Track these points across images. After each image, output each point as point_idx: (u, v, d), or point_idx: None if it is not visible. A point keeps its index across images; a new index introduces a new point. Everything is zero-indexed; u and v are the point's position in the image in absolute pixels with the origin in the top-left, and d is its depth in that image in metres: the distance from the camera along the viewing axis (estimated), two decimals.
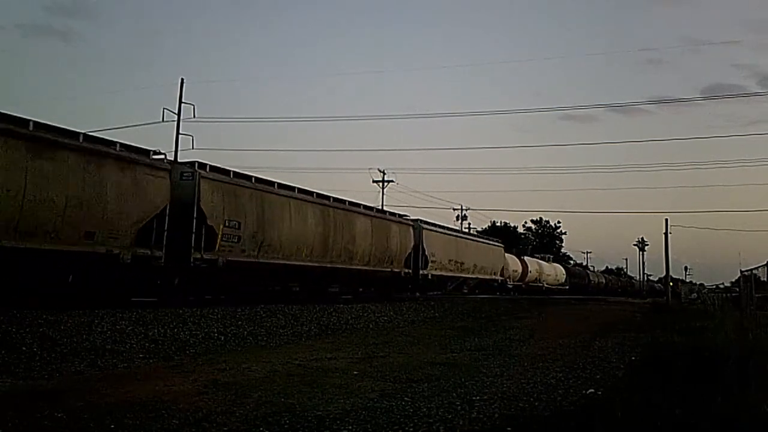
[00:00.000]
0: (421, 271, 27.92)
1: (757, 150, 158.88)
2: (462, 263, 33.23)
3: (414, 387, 6.57)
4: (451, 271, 31.99)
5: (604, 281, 78.09)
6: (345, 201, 22.71)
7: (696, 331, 12.82)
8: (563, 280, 58.54)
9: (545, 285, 52.57)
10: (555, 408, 5.75)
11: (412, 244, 27.27)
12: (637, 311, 28.36)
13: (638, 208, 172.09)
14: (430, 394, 6.16)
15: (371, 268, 24.00)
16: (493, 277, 39.04)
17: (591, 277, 72.14)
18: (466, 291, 35.12)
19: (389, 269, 25.40)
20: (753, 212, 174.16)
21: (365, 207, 24.63)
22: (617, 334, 14.26)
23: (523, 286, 47.64)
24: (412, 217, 28.92)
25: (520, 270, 47.16)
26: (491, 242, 40.57)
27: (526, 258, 51.10)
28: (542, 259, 59.02)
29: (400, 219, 27.34)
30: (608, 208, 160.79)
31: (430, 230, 29.86)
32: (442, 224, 32.86)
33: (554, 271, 57.29)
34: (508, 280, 43.28)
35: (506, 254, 44.29)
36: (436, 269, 29.78)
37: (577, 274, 66.84)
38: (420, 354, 9.51)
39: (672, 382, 6.26)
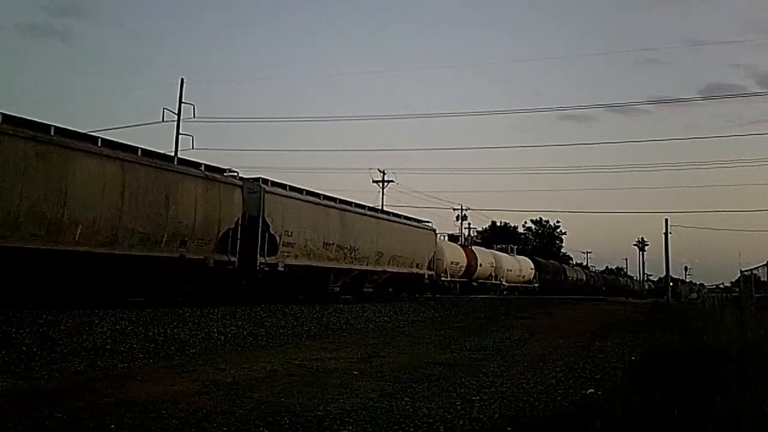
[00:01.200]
0: (261, 260, 17.05)
1: (757, 150, 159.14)
2: (354, 249, 22.07)
3: (414, 387, 6.58)
4: (330, 260, 20.70)
5: (584, 278, 67.34)
6: (50, 127, 12.38)
7: (696, 331, 12.82)
8: (531, 277, 48.47)
9: (504, 282, 42.32)
10: (555, 408, 5.75)
11: (240, 215, 16.59)
12: (636, 311, 28.38)
13: (638, 208, 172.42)
14: (430, 394, 6.16)
15: (123, 252, 13.51)
16: (417, 270, 27.32)
17: (568, 273, 60.72)
18: (370, 290, 23.93)
19: (176, 254, 14.89)
20: (753, 212, 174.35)
21: (108, 143, 13.76)
22: (617, 334, 14.27)
23: (474, 283, 37.70)
24: (246, 176, 17.86)
25: (464, 262, 36.09)
26: (413, 223, 27.75)
27: (475, 248, 39.99)
28: (503, 250, 48.41)
29: (206, 173, 16.15)
30: (608, 208, 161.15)
31: (285, 196, 18.72)
32: (313, 191, 20.82)
33: (518, 266, 46.27)
34: (444, 275, 32.37)
35: (443, 241, 35.20)
36: (295, 257, 18.67)
37: (550, 269, 55.44)
38: (420, 354, 9.52)
39: (672, 382, 6.26)
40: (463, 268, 36.13)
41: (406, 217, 27.56)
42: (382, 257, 24.40)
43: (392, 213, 27.19)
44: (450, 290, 34.21)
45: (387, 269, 24.82)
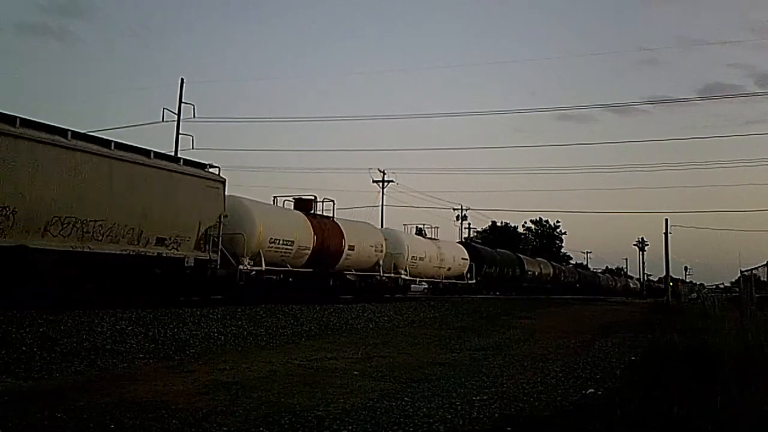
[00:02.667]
0: None
1: (756, 150, 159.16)
2: None
3: (414, 387, 6.58)
4: None
5: (551, 273, 52.83)
6: None
7: (696, 331, 12.82)
8: (464, 270, 34.26)
9: (407, 276, 27.52)
10: (555, 408, 5.75)
11: None
12: (636, 311, 28.40)
13: (638, 208, 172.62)
14: (430, 394, 6.16)
15: None
16: (166, 251, 14.82)
17: (526, 267, 46.61)
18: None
19: None
20: (753, 212, 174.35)
21: None
22: (617, 334, 14.27)
23: (349, 277, 23.73)
24: None
25: (308, 242, 20.35)
26: (148, 160, 14.73)
27: (342, 221, 23.57)
28: (419, 233, 33.80)
29: None
30: (608, 208, 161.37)
31: None
32: None
33: (435, 252, 30.74)
34: (252, 262, 17.70)
35: (252, 202, 19.12)
36: None
37: (496, 260, 40.95)
38: (420, 354, 9.52)
39: (672, 382, 6.26)
40: (308, 252, 20.27)
41: (128, 147, 14.18)
42: (19, 220, 11.53)
43: (80, 133, 13.32)
44: (270, 288, 18.91)
45: (41, 245, 11.95)
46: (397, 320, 16.09)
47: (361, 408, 5.43)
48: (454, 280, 33.59)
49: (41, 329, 9.03)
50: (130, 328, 10.00)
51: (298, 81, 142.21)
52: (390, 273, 26.34)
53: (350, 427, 4.79)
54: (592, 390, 6.71)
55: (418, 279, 29.90)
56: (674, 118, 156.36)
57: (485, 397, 6.09)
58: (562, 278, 56.45)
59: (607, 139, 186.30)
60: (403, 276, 27.50)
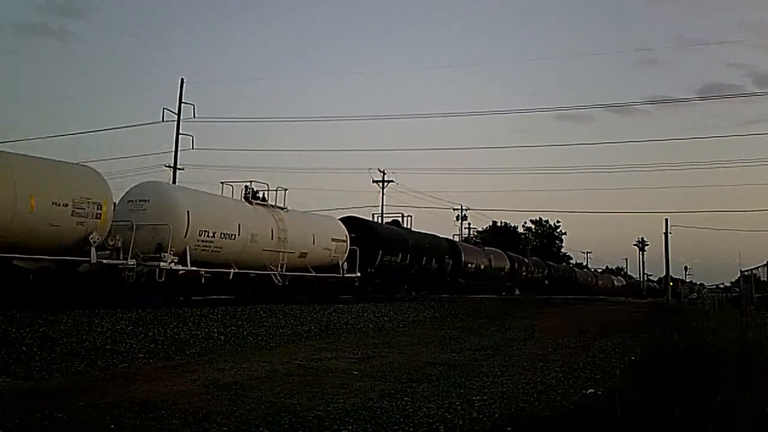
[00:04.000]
0: None
1: (756, 150, 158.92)
2: None
3: (414, 387, 6.58)
4: None
5: (506, 266, 40.67)
6: None
7: (696, 331, 12.82)
8: (340, 259, 21.72)
9: (189, 266, 14.86)
10: (555, 408, 5.75)
11: None
12: (636, 311, 28.42)
13: (638, 208, 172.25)
14: (430, 394, 6.16)
15: None
16: None
17: (465, 258, 33.38)
18: None
19: None
20: (753, 212, 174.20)
21: None
22: (617, 334, 14.27)
23: (18, 264, 11.52)
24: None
25: None
26: None
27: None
28: (248, 198, 18.64)
29: None
30: (608, 208, 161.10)
31: None
32: None
33: (272, 228, 18.29)
34: None
35: None
36: None
37: (408, 245, 26.89)
38: (420, 354, 9.52)
39: (672, 382, 6.26)
40: None
41: None
42: None
43: None
44: None
45: None
46: (397, 320, 16.09)
47: (361, 408, 5.43)
48: (314, 273, 20.72)
49: (41, 329, 9.03)
50: (130, 328, 10.00)
51: (298, 81, 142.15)
52: (132, 259, 13.96)
53: (350, 427, 4.79)
54: (592, 390, 6.71)
55: (232, 272, 16.79)
56: (674, 118, 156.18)
57: (485, 397, 6.09)
58: (524, 273, 43.97)
59: (607, 139, 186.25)
60: (163, 264, 14.41)
